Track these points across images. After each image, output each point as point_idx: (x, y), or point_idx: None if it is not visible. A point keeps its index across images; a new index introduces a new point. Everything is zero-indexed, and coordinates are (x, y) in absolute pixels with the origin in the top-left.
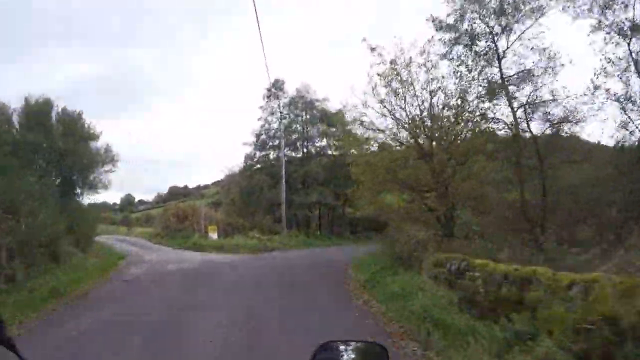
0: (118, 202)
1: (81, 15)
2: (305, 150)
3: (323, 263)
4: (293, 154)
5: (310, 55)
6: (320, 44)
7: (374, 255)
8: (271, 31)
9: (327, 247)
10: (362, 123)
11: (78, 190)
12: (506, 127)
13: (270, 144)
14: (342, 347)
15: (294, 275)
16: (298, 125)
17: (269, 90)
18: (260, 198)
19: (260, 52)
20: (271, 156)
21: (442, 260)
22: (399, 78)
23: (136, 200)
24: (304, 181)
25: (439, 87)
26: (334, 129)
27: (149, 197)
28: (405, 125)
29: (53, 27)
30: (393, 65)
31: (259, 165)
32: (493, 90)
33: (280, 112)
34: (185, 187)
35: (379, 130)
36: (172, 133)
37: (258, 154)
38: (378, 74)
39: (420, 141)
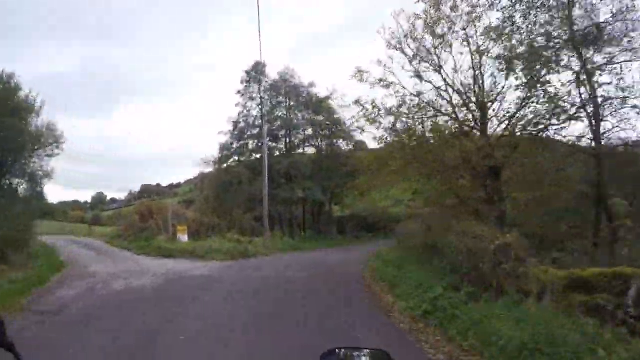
0: (89, 200)
1: (81, 14)
2: (289, 140)
3: (331, 275)
4: (275, 144)
5: (301, 50)
6: (310, 40)
7: (393, 263)
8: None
9: (319, 250)
10: (387, 85)
11: (8, 180)
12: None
13: (250, 132)
14: (347, 354)
15: (301, 299)
16: (281, 113)
17: (248, 73)
18: (238, 193)
19: (254, 42)
20: (250, 146)
21: (594, 280)
22: (448, 25)
23: (108, 198)
24: (287, 174)
25: (493, 40)
26: (321, 118)
27: (122, 195)
28: (449, 86)
29: (51, 24)
30: (437, 6)
31: (236, 157)
32: (552, 50)
33: (261, 98)
34: (158, 185)
35: (411, 94)
36: (153, 132)
37: (235, 144)
38: (416, 15)
39: (469, 112)
